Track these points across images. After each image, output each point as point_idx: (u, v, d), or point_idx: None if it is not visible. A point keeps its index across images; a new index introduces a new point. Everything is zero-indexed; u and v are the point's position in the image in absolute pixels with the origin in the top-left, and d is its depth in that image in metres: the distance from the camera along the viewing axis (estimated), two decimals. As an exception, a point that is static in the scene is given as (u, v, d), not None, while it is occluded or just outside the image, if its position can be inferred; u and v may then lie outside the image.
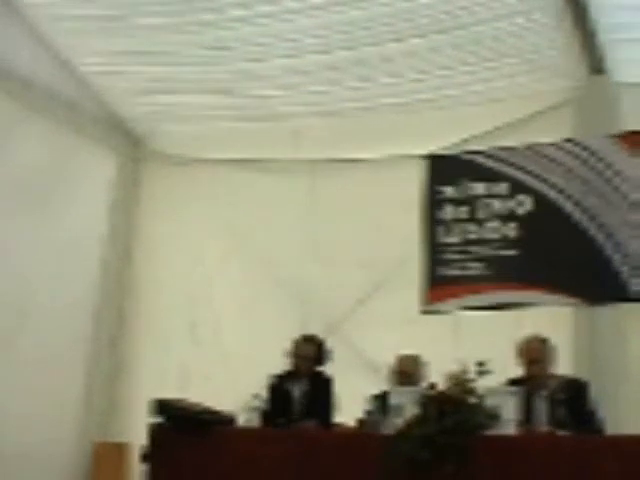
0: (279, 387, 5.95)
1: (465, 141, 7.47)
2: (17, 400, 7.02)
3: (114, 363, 8.24)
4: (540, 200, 6.92)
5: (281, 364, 6.02)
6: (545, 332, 5.65)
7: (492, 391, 4.89)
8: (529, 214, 6.94)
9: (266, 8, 7.01)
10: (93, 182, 8.25)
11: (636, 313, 6.81)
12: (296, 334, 6.20)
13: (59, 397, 7.53)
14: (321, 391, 5.90)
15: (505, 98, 7.47)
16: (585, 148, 6.85)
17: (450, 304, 7.01)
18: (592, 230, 6.72)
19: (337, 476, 5.02)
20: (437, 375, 5.16)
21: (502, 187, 7.06)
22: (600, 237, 6.68)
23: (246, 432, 5.50)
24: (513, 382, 5.37)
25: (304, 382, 5.94)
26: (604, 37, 6.84)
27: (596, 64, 7.09)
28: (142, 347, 8.27)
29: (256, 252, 8.00)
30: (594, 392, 5.40)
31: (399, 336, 7.00)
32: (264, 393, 5.83)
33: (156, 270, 8.38)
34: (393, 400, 5.16)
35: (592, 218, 6.74)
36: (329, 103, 7.93)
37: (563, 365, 5.67)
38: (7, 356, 7.02)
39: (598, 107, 7.10)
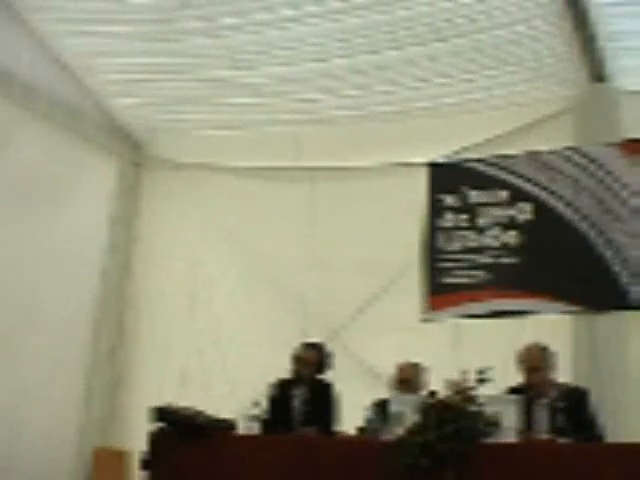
0: (280, 394, 5.95)
1: (466, 149, 7.48)
2: (19, 407, 7.02)
3: (114, 371, 8.22)
4: (540, 207, 6.93)
5: (281, 371, 6.03)
6: (545, 339, 5.66)
7: (492, 399, 4.89)
8: (529, 222, 6.96)
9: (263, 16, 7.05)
10: (94, 186, 8.24)
11: (636, 320, 6.81)
12: (296, 341, 6.21)
13: (60, 404, 7.53)
14: (322, 398, 5.91)
15: (506, 106, 7.48)
16: (585, 155, 6.87)
17: (450, 312, 7.02)
18: (592, 237, 6.73)
19: (337, 483, 5.04)
20: (437, 383, 5.16)
21: (502, 195, 7.08)
22: (600, 244, 6.70)
23: (246, 438, 5.49)
24: (513, 390, 5.38)
25: (305, 389, 5.95)
26: (604, 45, 6.85)
27: (596, 72, 7.10)
28: (142, 355, 8.24)
29: (256, 259, 8.00)
30: (594, 399, 5.40)
31: (399, 343, 6.99)
32: (264, 401, 5.83)
33: (156, 278, 8.36)
34: (393, 407, 5.16)
35: (592, 225, 6.75)
36: (328, 111, 7.94)
37: (563, 372, 5.67)
38: (10, 363, 7.01)
39: (598, 115, 7.11)
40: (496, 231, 7.04)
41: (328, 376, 6.11)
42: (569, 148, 6.96)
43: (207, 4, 7.01)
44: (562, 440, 4.94)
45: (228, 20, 7.12)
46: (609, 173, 6.76)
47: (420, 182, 7.32)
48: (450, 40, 7.01)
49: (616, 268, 6.60)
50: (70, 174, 7.84)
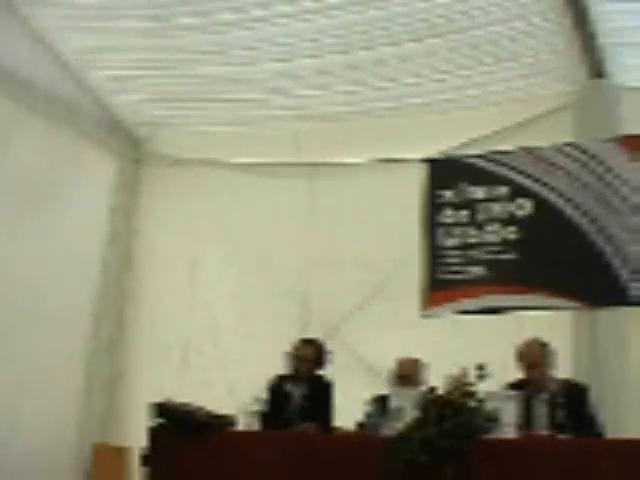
0: (279, 389, 5.95)
1: (465, 145, 7.47)
2: (18, 403, 7.02)
3: (114, 367, 8.22)
4: (540, 204, 6.92)
5: (281, 369, 6.02)
6: (545, 336, 5.66)
7: (492, 395, 4.90)
8: (529, 217, 6.94)
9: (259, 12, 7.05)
10: (93, 183, 8.23)
11: (636, 317, 6.80)
12: (296, 338, 6.21)
13: (59, 400, 7.53)
14: (321, 394, 5.90)
15: (505, 102, 7.49)
16: (585, 152, 6.85)
17: (450, 307, 7.00)
18: (592, 234, 6.71)
19: (337, 479, 5.03)
20: (437, 378, 5.16)
21: (502, 191, 7.06)
22: (600, 241, 6.68)
23: (246, 435, 5.50)
24: (513, 386, 5.38)
25: (304, 385, 5.94)
26: (603, 41, 6.85)
27: (596, 68, 7.09)
28: (142, 350, 8.25)
29: (256, 256, 7.99)
30: (594, 396, 5.41)
31: (399, 340, 6.98)
32: (264, 395, 5.83)
33: (156, 274, 8.37)
34: (393, 403, 5.17)
35: (592, 221, 6.74)
36: (326, 107, 7.94)
37: (563, 369, 5.68)
38: (8, 359, 7.01)
39: (598, 111, 7.11)
40: (496, 227, 7.02)
41: (327, 372, 6.11)
42: (569, 144, 6.94)
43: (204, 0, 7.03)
44: (562, 436, 4.95)
45: (225, 16, 7.11)
46: (609, 169, 6.75)
47: (419, 178, 7.31)
48: (445, 36, 7.01)
49: (616, 264, 6.59)
50: (69, 171, 7.83)
